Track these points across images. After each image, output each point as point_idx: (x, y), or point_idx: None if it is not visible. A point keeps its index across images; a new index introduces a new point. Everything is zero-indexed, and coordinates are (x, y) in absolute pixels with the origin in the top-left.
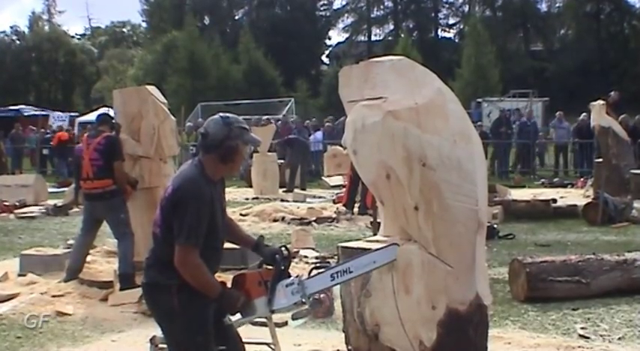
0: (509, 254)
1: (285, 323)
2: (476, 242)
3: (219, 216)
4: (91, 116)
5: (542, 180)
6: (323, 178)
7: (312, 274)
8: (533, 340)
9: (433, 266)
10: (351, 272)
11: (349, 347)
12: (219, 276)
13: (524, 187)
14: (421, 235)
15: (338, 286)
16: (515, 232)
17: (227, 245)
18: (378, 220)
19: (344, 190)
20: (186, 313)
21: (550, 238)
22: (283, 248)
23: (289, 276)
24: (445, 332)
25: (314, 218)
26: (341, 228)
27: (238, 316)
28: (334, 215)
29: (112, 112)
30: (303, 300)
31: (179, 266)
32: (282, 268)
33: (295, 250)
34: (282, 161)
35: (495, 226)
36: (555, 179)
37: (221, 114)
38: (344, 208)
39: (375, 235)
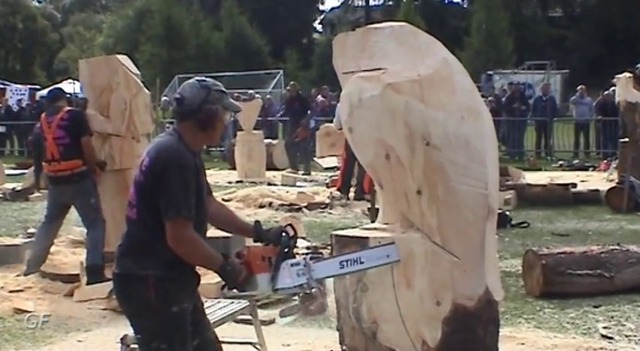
0: (522, 244)
1: (273, 321)
2: (485, 230)
3: (205, 193)
4: None
5: (561, 162)
6: (315, 159)
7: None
8: (549, 340)
9: (437, 257)
10: (362, 263)
11: (344, 347)
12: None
13: (540, 169)
14: (424, 223)
15: (332, 279)
16: (530, 220)
17: (208, 233)
18: (377, 206)
19: (338, 172)
20: (162, 308)
21: (569, 227)
22: (288, 227)
23: (294, 257)
24: (451, 331)
25: (305, 204)
26: (335, 215)
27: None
28: (327, 201)
29: (74, 87)
30: (309, 283)
31: (174, 244)
32: (288, 247)
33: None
34: (269, 140)
35: (507, 213)
36: (575, 161)
37: (197, 78)
38: (338, 193)
39: (372, 222)
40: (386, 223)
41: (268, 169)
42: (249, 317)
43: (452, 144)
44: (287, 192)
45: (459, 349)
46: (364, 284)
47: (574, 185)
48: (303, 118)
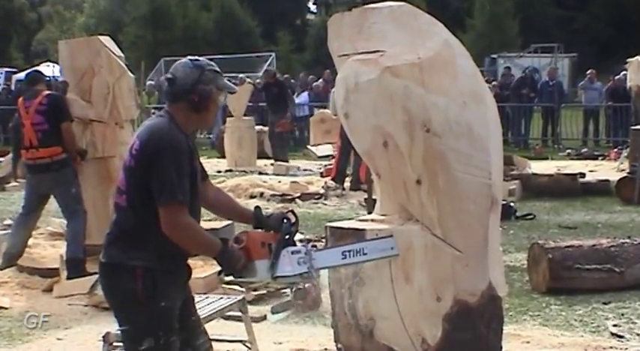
0: (528, 237)
1: (264, 317)
2: (489, 222)
3: (199, 178)
4: None
5: (568, 150)
6: (309, 147)
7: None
8: (556, 338)
9: (438, 250)
10: (364, 254)
11: (339, 345)
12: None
13: (546, 158)
14: (424, 214)
15: (326, 273)
16: (536, 212)
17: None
18: (374, 197)
19: (333, 161)
20: (150, 302)
21: (577, 219)
22: (290, 213)
23: (295, 245)
24: (452, 328)
25: (298, 194)
26: (330, 206)
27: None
28: (322, 191)
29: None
30: (310, 273)
31: (169, 231)
32: (289, 233)
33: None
34: (260, 127)
35: (512, 204)
36: (584, 150)
37: (190, 57)
38: (333, 183)
39: (369, 213)
40: (384, 215)
41: (259, 157)
42: (239, 314)
43: (453, 131)
44: (279, 182)
45: (461, 347)
46: (360, 278)
47: (582, 175)
48: (282, 105)
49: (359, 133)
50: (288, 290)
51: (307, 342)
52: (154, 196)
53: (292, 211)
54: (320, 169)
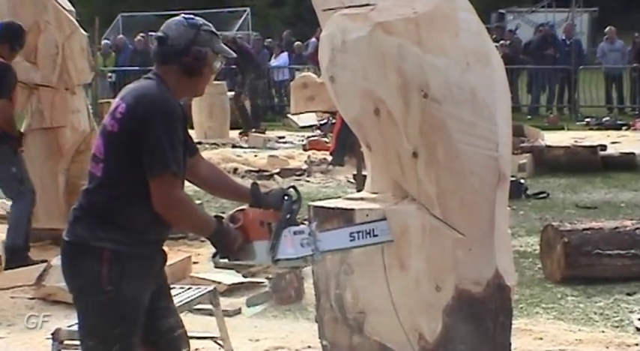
0: (541, 219)
1: (239, 311)
2: (495, 201)
3: (186, 151)
4: None
5: (587, 119)
6: (289, 116)
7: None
8: (572, 334)
9: (437, 233)
10: (375, 235)
11: (324, 342)
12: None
13: (562, 128)
14: (421, 192)
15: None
16: (550, 190)
17: None
18: (364, 173)
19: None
20: (114, 289)
21: (596, 198)
22: (291, 189)
23: (298, 224)
24: (453, 322)
25: (277, 170)
26: (314, 183)
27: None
28: (304, 166)
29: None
30: (314, 256)
31: (161, 207)
32: (291, 212)
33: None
34: (232, 93)
35: (522, 180)
36: (605, 118)
37: (184, 14)
38: (329, 158)
39: (359, 191)
40: (375, 193)
41: (233, 128)
42: (210, 307)
43: (455, 96)
44: (255, 156)
45: (463, 344)
46: (349, 266)
47: (603, 147)
48: (245, 72)
49: (346, 98)
50: (265, 280)
51: (288, 339)
52: (145, 167)
53: (294, 187)
54: (302, 141)
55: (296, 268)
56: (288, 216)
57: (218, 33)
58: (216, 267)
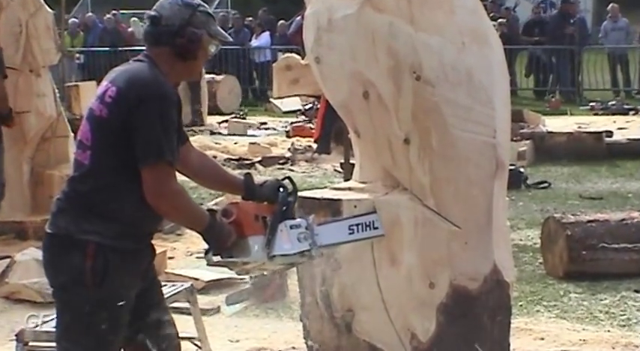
0: (542, 210)
1: (217, 310)
2: (493, 191)
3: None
4: None
5: (592, 103)
6: (271, 100)
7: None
8: (576, 334)
9: (431, 225)
10: (375, 228)
11: (309, 343)
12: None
13: (565, 113)
14: (413, 181)
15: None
16: (551, 179)
17: None
18: (352, 161)
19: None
20: (98, 286)
21: (602, 188)
22: (287, 181)
23: (294, 218)
24: (448, 321)
25: (258, 158)
26: (298, 172)
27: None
28: (288, 154)
29: None
30: (312, 251)
31: (153, 198)
32: (287, 204)
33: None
34: (212, 76)
35: (522, 169)
36: (611, 102)
37: None
38: (314, 146)
39: (347, 180)
40: (364, 182)
41: (211, 113)
42: (187, 305)
43: (449, 78)
44: (235, 143)
45: (459, 343)
46: (336, 261)
47: (609, 134)
48: None
49: (333, 81)
50: (246, 276)
51: (270, 339)
52: (137, 156)
53: (289, 178)
54: (286, 127)
55: (293, 265)
56: (284, 209)
57: None
58: (208, 265)
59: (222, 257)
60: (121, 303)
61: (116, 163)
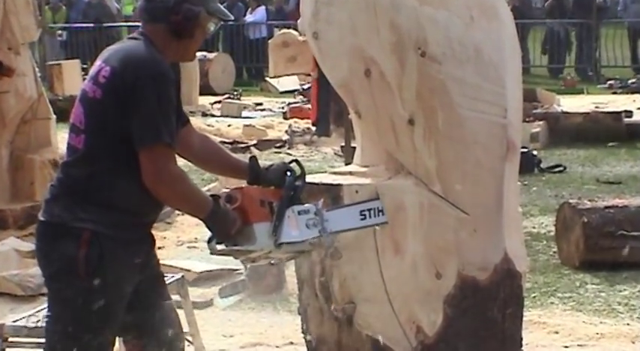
0: (556, 196)
1: (210, 303)
2: (504, 175)
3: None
4: None
5: (610, 82)
6: (267, 79)
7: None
8: (593, 327)
9: (437, 212)
10: (383, 214)
11: (307, 337)
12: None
13: (581, 92)
14: (419, 164)
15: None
16: (567, 163)
17: None
18: (353, 144)
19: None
20: (91, 276)
21: (621, 172)
22: (294, 164)
23: (302, 203)
24: (456, 313)
25: (254, 141)
26: (296, 156)
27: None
28: (285, 137)
29: None
30: (322, 238)
31: (152, 183)
32: (294, 189)
33: (225, 189)
34: (203, 54)
35: (535, 152)
36: (631, 80)
37: None
38: (312, 129)
39: (347, 164)
40: (365, 166)
41: (203, 93)
42: (178, 297)
43: (456, 54)
44: (229, 125)
45: (468, 337)
46: (336, 249)
47: (629, 114)
48: None
49: (332, 58)
50: (241, 267)
51: (267, 334)
52: (134, 138)
53: (297, 161)
54: (282, 108)
55: (301, 253)
56: (291, 194)
57: None
58: (212, 253)
59: (226, 245)
60: (114, 295)
61: (112, 147)
